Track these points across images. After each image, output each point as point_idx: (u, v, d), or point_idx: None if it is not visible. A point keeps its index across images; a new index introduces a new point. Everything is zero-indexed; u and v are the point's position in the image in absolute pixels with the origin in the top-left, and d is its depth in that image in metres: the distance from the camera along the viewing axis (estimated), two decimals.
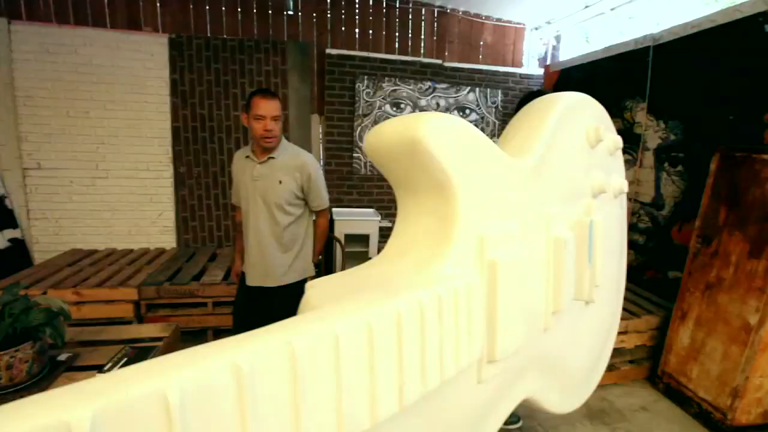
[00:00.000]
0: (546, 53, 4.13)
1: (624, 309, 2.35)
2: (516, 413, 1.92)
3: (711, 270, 1.98)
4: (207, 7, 3.30)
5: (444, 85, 3.68)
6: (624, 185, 1.24)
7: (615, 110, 2.93)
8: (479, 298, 0.59)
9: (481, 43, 3.82)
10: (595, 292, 1.10)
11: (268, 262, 1.72)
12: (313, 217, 1.88)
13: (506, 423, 1.90)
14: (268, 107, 1.58)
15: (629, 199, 2.83)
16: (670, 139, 2.52)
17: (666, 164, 2.55)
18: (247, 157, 1.70)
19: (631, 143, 2.81)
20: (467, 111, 3.76)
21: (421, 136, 0.57)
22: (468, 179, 0.62)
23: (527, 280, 0.76)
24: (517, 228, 0.73)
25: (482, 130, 3.87)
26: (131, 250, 3.17)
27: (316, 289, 0.54)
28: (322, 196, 1.79)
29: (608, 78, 2.99)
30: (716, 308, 1.95)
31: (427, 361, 0.48)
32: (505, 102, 3.82)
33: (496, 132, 3.86)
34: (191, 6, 3.28)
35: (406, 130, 0.56)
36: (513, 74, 3.83)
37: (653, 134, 2.64)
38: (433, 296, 0.49)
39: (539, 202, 0.84)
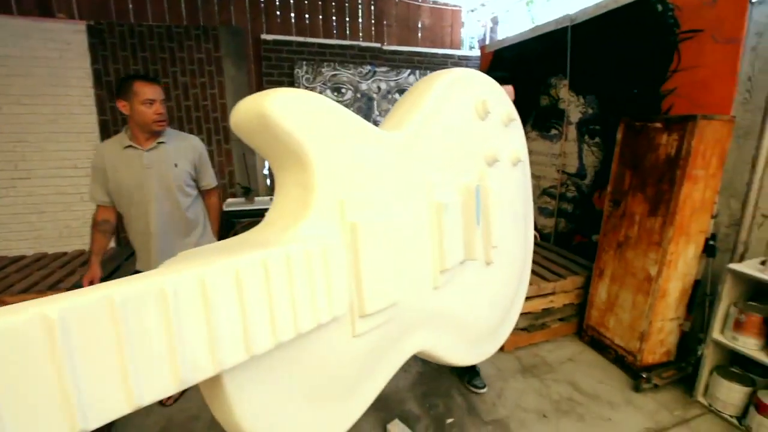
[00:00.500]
0: (485, 35, 4.26)
1: (553, 272, 2.56)
2: (481, 379, 2.09)
3: (620, 230, 2.20)
4: None
5: (384, 69, 3.71)
6: (520, 154, 1.35)
7: (543, 87, 3.10)
8: (338, 257, 0.66)
9: (419, 25, 3.87)
10: (491, 252, 1.22)
11: (175, 247, 1.74)
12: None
13: (474, 387, 2.06)
14: (156, 91, 1.58)
15: (558, 171, 3.03)
16: (589, 113, 2.72)
17: (586, 137, 2.76)
18: (128, 147, 1.65)
19: (557, 118, 2.99)
20: None
21: (268, 109, 0.61)
22: (325, 149, 0.67)
23: (401, 241, 0.83)
24: (385, 194, 0.80)
25: None
26: (65, 253, 3.01)
27: (179, 257, 0.57)
28: (211, 174, 1.87)
29: (535, 57, 3.15)
30: (625, 264, 2.17)
31: (277, 315, 0.54)
32: None
33: None
34: None
35: (255, 106, 0.60)
36: (452, 56, 3.92)
37: (575, 109, 2.83)
38: (280, 254, 0.55)
39: (418, 171, 0.92)
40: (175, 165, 1.68)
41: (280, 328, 0.55)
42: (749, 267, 1.75)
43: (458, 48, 4.04)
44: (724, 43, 1.83)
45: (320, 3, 3.54)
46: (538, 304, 2.44)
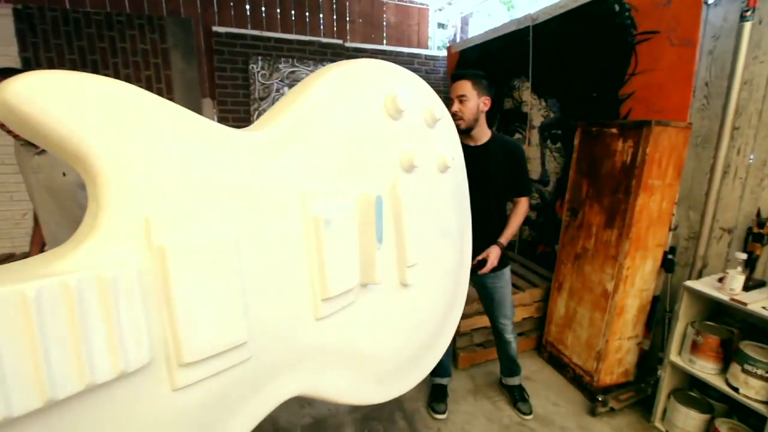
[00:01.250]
0: (455, 35, 4.13)
1: (513, 284, 2.42)
2: (444, 405, 1.91)
3: (578, 241, 2.07)
4: None
5: None
6: (448, 159, 1.19)
7: (506, 89, 2.97)
8: (131, 292, 0.48)
9: (384, 23, 3.71)
10: (407, 272, 1.05)
11: None
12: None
13: (433, 411, 1.88)
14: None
15: None
16: (550, 117, 2.60)
17: (548, 141, 2.63)
18: (23, 144, 1.44)
19: (520, 122, 2.87)
20: None
21: (9, 97, 0.43)
22: (120, 151, 0.50)
23: (252, 266, 0.66)
24: (224, 207, 0.62)
25: None
26: None
27: None
28: None
29: (498, 58, 3.03)
30: (583, 278, 2.04)
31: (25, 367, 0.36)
32: None
33: None
34: None
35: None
36: (418, 55, 3.78)
37: (537, 113, 2.71)
38: (28, 290, 0.37)
39: (287, 179, 0.74)
40: (63, 174, 1.42)
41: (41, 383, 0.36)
42: (706, 285, 1.63)
43: (425, 47, 3.90)
44: (680, 45, 1.72)
45: None
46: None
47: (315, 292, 0.82)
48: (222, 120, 3.32)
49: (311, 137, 0.82)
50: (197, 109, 3.24)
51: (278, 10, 3.36)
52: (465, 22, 4.15)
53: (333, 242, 0.83)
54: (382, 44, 3.74)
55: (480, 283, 1.80)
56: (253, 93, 3.31)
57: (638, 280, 1.86)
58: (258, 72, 3.29)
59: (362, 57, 3.58)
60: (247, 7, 3.27)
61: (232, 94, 3.30)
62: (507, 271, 1.77)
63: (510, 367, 1.96)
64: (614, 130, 1.84)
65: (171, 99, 3.24)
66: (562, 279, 2.19)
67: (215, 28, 3.17)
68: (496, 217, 1.69)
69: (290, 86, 3.39)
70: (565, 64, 2.44)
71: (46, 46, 2.83)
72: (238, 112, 3.34)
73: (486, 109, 1.62)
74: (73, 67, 2.89)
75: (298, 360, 0.81)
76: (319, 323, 0.84)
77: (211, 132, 0.63)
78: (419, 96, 1.12)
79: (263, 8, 3.32)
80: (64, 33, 2.86)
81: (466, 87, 1.57)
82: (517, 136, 2.92)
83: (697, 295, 1.63)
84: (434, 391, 1.97)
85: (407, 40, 3.83)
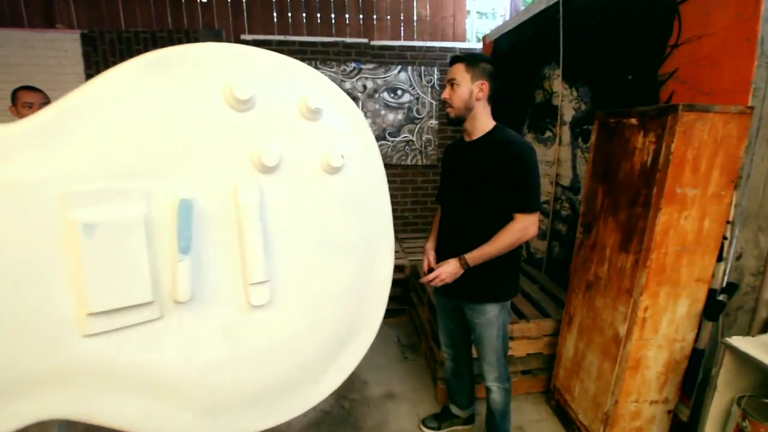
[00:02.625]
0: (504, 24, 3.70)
1: (517, 310, 2.01)
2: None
3: (590, 266, 1.61)
4: (119, 1, 3.25)
5: (371, 66, 3.40)
6: (334, 158, 0.97)
7: (537, 80, 2.52)
8: None
9: (415, 18, 3.48)
10: (254, 290, 0.87)
11: None
12: None
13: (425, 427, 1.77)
14: (34, 95, 1.92)
15: (551, 183, 2.43)
16: (582, 110, 2.11)
17: (580, 140, 2.14)
18: None
19: (551, 117, 2.40)
20: (399, 92, 3.46)
21: None
22: None
23: None
24: None
25: (417, 111, 3.55)
26: None
27: None
28: None
29: (529, 44, 2.58)
30: (594, 314, 1.58)
31: None
32: (443, 80, 3.46)
33: (434, 113, 3.52)
34: (103, 0, 3.24)
35: None
36: (452, 49, 3.46)
37: (568, 105, 2.23)
38: None
39: (37, 177, 0.65)
40: None
41: None
42: (764, 345, 1.10)
43: (462, 40, 3.56)
44: None
45: (303, 0, 3.36)
46: None
47: (80, 306, 0.70)
48: None
49: (81, 132, 0.71)
50: None
51: (304, 14, 3.37)
52: (516, 8, 3.69)
53: (97, 250, 0.70)
54: (412, 40, 3.51)
55: (457, 309, 1.50)
56: None
57: (665, 325, 1.35)
58: None
59: (389, 54, 3.42)
60: (274, 13, 3.35)
61: None
62: (490, 308, 1.37)
63: (492, 424, 1.56)
64: (633, 121, 1.38)
65: None
66: (573, 312, 1.73)
67: (243, 36, 3.31)
68: (470, 231, 1.34)
69: None
70: (597, 42, 1.95)
71: (105, 63, 3.25)
72: None
73: (483, 96, 1.31)
74: None
75: (64, 377, 0.71)
76: (90, 340, 0.72)
77: None
78: (284, 83, 0.93)
79: (289, 13, 3.36)
80: (118, 51, 3.24)
81: (458, 70, 1.30)
82: (548, 134, 2.45)
83: (745, 359, 1.11)
84: (442, 412, 1.78)
85: (441, 33, 3.54)
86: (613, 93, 1.87)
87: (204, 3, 3.28)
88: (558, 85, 2.30)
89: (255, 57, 0.91)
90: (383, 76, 3.42)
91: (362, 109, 3.45)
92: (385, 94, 3.44)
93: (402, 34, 3.50)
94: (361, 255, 1.07)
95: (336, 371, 1.06)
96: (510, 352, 1.94)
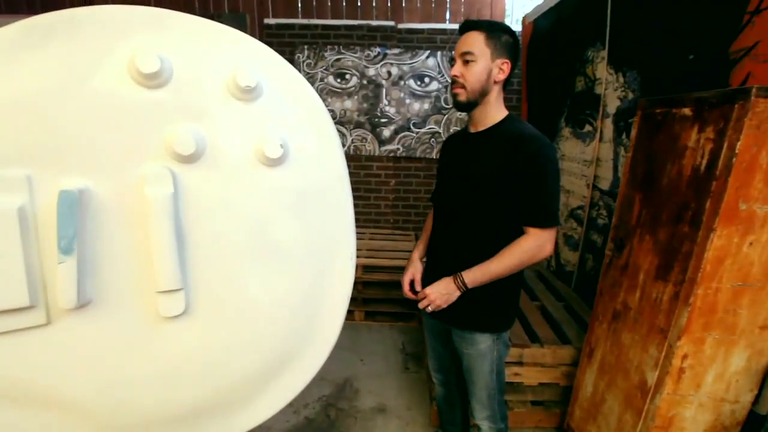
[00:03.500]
0: None
1: (532, 332, 1.73)
2: None
3: (619, 292, 1.30)
4: None
5: (397, 51, 3.16)
6: (271, 147, 0.78)
7: (578, 65, 2.16)
8: None
9: None
10: (162, 299, 0.74)
11: None
12: None
13: None
14: None
15: (588, 186, 2.09)
16: (628, 99, 1.75)
17: (624, 135, 1.79)
18: None
19: (592, 108, 2.05)
20: (426, 79, 3.19)
21: None
22: None
23: None
24: None
25: (446, 100, 3.26)
26: None
27: None
28: None
29: (571, 23, 2.22)
30: (619, 350, 1.28)
31: None
32: None
33: None
34: None
35: None
36: None
37: (612, 94, 1.87)
38: None
39: None
40: None
41: None
42: None
43: (501, 20, 3.20)
44: None
45: None
46: None
47: None
48: None
49: None
50: None
51: None
52: None
53: None
54: (444, 22, 3.22)
55: (447, 332, 1.26)
56: None
57: (712, 381, 1.04)
58: (303, 61, 3.21)
59: (417, 38, 3.16)
60: None
61: None
62: (482, 338, 1.13)
63: None
64: (686, 111, 1.05)
65: None
66: (595, 343, 1.43)
67: (267, 21, 3.21)
68: (469, 243, 1.10)
69: (335, 75, 3.21)
70: (650, 15, 1.59)
71: None
72: None
73: (503, 78, 1.05)
74: None
75: None
76: None
77: None
78: (210, 55, 0.76)
79: None
80: None
81: (475, 41, 1.01)
82: (587, 128, 2.10)
83: None
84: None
85: (477, 15, 3.21)
86: (667, 78, 1.50)
87: None
88: (602, 69, 1.94)
89: (172, 23, 0.75)
90: (410, 62, 3.17)
91: (386, 98, 3.23)
92: (411, 82, 3.20)
93: (433, 16, 3.21)
94: (307, 263, 0.89)
95: (278, 392, 0.90)
96: (519, 379, 1.68)
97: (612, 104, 1.88)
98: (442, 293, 1.05)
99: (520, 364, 1.66)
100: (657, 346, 1.09)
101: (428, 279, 1.16)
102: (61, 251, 0.67)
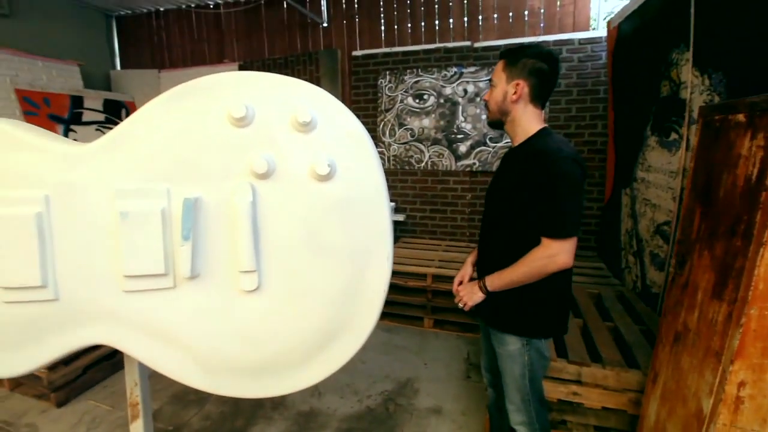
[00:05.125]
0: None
1: (593, 351, 1.66)
2: None
3: (680, 312, 1.22)
4: (264, 34, 3.99)
5: (473, 69, 3.25)
6: (320, 167, 1.02)
7: (663, 68, 2.00)
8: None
9: (526, 12, 3.17)
10: (241, 278, 1.04)
11: None
12: None
13: None
14: None
15: (674, 199, 1.90)
16: (714, 103, 1.58)
17: None
18: None
19: (677, 115, 1.88)
20: None
21: None
22: None
23: (66, 235, 0.98)
24: (38, 192, 0.95)
25: None
26: None
27: None
28: None
29: (654, 23, 2.06)
30: (679, 375, 1.19)
31: None
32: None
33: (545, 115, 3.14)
34: (254, 36, 4.04)
35: None
36: (569, 41, 3.02)
37: (698, 98, 1.70)
38: None
39: (99, 179, 0.99)
40: None
41: None
42: None
43: (584, 28, 3.06)
44: None
45: (408, 10, 3.45)
46: (551, 389, 1.62)
47: (116, 268, 0.99)
48: None
49: (128, 148, 0.99)
50: None
51: (409, 24, 3.48)
52: None
53: (129, 231, 0.97)
54: (523, 36, 3.21)
55: (485, 330, 1.39)
56: (380, 105, 3.58)
57: None
58: (386, 86, 3.53)
59: (494, 55, 3.22)
60: (382, 28, 3.56)
61: (363, 108, 3.67)
62: (510, 340, 1.20)
63: None
64: (741, 117, 0.98)
65: None
66: (658, 368, 1.33)
67: (354, 53, 3.62)
68: (494, 251, 1.23)
69: (414, 96, 3.45)
70: (737, 13, 1.44)
71: None
72: (367, 124, 3.69)
73: (518, 98, 1.15)
74: None
75: (107, 317, 1.03)
76: (128, 295, 1.02)
77: (47, 146, 0.96)
78: (278, 101, 1.04)
79: (395, 26, 3.52)
80: None
81: (497, 69, 1.20)
82: (673, 136, 1.92)
83: None
84: None
85: (559, 25, 3.13)
86: (755, 79, 1.35)
87: (325, 27, 3.73)
88: (687, 72, 1.78)
89: (254, 81, 1.04)
90: (485, 78, 3.24)
91: (462, 114, 3.34)
92: None
93: (511, 32, 3.24)
94: (348, 260, 1.09)
95: (320, 365, 1.11)
96: (578, 399, 1.62)
97: (698, 109, 1.70)
98: (469, 293, 1.16)
99: (578, 383, 1.60)
100: (712, 371, 1.01)
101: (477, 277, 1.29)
102: (183, 238, 0.99)
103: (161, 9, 4.28)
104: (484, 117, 3.28)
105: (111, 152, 0.99)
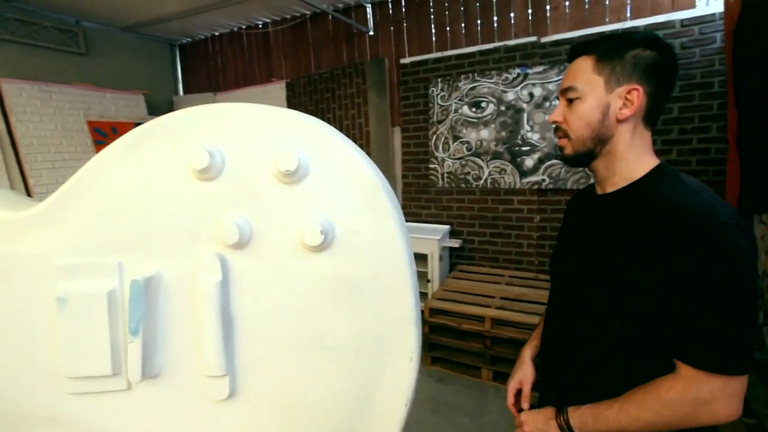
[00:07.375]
0: None
1: None
2: None
3: None
4: (311, 49, 3.86)
5: (539, 68, 2.76)
6: (312, 233, 0.70)
7: None
8: None
9: None
10: (210, 383, 0.75)
11: None
12: None
13: None
14: None
15: None
16: None
17: None
18: None
19: None
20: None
21: None
22: None
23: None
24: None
25: None
26: None
27: None
28: None
29: None
30: None
31: None
32: None
33: None
34: (301, 52, 3.93)
35: None
36: (668, 24, 2.40)
37: None
38: None
39: (39, 256, 0.76)
40: None
41: None
42: None
43: (688, 6, 2.41)
44: None
45: (462, 8, 3.06)
46: None
47: (56, 365, 0.78)
48: (404, 146, 3.44)
49: (74, 211, 0.76)
50: (386, 139, 3.52)
51: (462, 24, 3.08)
52: None
53: (69, 321, 0.75)
54: (603, 24, 2.65)
55: None
56: (431, 117, 3.22)
57: None
58: (437, 94, 3.17)
59: (563, 51, 2.70)
60: (432, 31, 3.20)
61: (413, 121, 3.34)
62: None
63: None
64: None
65: (368, 132, 3.70)
66: None
67: (402, 60, 3.31)
68: (585, 359, 0.78)
69: (470, 104, 3.04)
70: None
71: (299, 104, 3.92)
72: (418, 137, 3.35)
73: (631, 113, 0.72)
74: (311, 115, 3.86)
75: (48, 422, 0.82)
76: (74, 398, 0.80)
77: None
78: (258, 142, 0.74)
79: (447, 27, 3.14)
80: (307, 92, 3.85)
81: (579, 71, 0.75)
82: None
83: None
84: None
85: (651, 5, 2.52)
86: None
87: (371, 36, 3.48)
88: None
89: (225, 115, 0.76)
90: (556, 79, 2.72)
91: (528, 123, 2.86)
92: (557, 101, 2.73)
93: (587, 20, 2.70)
94: (356, 359, 0.76)
95: None
96: None
97: None
98: (538, 428, 0.74)
99: None
100: None
101: (541, 384, 0.87)
102: (130, 332, 0.74)
103: (216, 33, 4.38)
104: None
105: (55, 217, 0.77)
